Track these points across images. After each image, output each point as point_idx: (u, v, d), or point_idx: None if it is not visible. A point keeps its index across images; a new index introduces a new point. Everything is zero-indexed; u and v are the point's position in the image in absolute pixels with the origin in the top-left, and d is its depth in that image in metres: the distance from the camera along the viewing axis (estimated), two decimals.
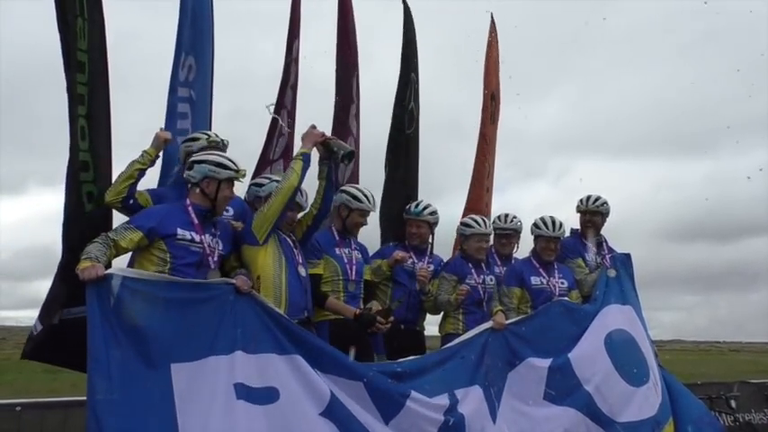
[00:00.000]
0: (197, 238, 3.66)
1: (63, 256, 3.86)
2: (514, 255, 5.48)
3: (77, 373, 4.44)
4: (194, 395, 3.26)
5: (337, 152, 4.09)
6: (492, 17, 7.17)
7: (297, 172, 3.92)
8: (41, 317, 3.93)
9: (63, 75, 3.99)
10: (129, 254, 3.72)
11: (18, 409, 4.52)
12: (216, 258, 3.76)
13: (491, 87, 6.99)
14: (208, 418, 3.26)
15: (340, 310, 4.37)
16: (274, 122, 5.16)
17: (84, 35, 4.11)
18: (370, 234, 5.41)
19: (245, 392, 3.40)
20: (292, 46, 5.29)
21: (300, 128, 5.28)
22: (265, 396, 3.46)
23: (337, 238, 4.60)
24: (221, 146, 4.22)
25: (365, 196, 4.64)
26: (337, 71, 5.69)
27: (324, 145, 4.08)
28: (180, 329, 3.34)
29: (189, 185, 3.81)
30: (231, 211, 4.22)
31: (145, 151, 3.94)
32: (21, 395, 8.67)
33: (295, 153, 4.06)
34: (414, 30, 6.16)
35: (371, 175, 5.76)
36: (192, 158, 3.82)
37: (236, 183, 3.87)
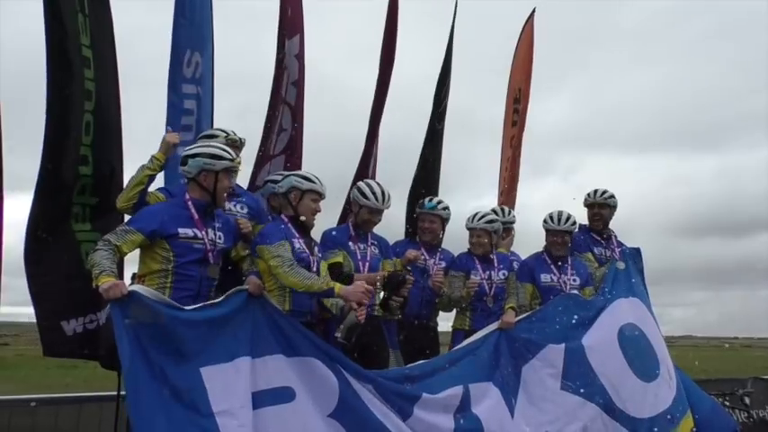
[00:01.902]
0: (199, 234, 3.61)
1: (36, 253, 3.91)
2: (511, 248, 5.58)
3: (90, 368, 4.49)
4: (226, 398, 3.29)
5: (343, 324, 3.69)
6: (533, 13, 7.06)
7: (314, 287, 3.65)
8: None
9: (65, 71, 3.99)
10: None
11: (33, 404, 4.54)
12: (217, 253, 3.71)
13: (515, 87, 6.99)
14: (238, 418, 3.29)
15: (367, 279, 4.20)
16: (272, 118, 5.13)
17: (86, 31, 4.11)
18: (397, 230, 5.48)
19: (260, 399, 3.43)
20: (284, 42, 5.24)
21: (308, 124, 5.34)
22: (274, 399, 3.48)
23: (353, 232, 4.53)
24: (239, 144, 4.21)
25: (373, 193, 4.43)
26: (380, 70, 5.71)
27: (350, 309, 3.70)
28: (201, 339, 3.35)
29: (186, 180, 3.72)
30: (246, 209, 4.20)
31: (153, 156, 3.85)
32: (35, 391, 8.79)
33: (336, 284, 3.68)
34: (453, 29, 6.28)
35: (394, 173, 5.81)
36: (185, 153, 3.70)
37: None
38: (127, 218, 3.75)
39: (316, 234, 4.28)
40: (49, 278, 3.97)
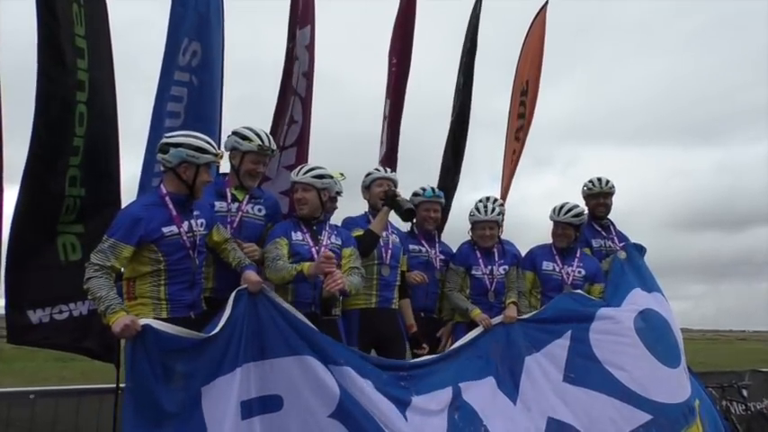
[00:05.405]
0: (182, 229, 3.52)
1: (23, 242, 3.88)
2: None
3: (87, 361, 4.48)
4: (217, 413, 3.29)
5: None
6: (545, 5, 7.00)
7: (286, 277, 3.77)
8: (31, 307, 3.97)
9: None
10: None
11: (31, 396, 4.53)
12: (200, 242, 3.62)
13: (523, 80, 6.96)
14: None
15: (380, 220, 4.43)
16: (281, 108, 5.07)
17: (81, 21, 4.07)
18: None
19: (249, 408, 3.40)
20: (295, 32, 5.17)
21: (316, 115, 5.31)
22: (271, 405, 3.46)
23: (372, 220, 4.58)
24: (269, 153, 4.10)
25: (376, 169, 4.74)
26: (395, 70, 5.76)
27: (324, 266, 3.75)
28: (207, 355, 3.35)
29: (163, 170, 3.59)
30: (264, 211, 4.14)
31: None
32: (32, 383, 8.76)
33: (304, 265, 3.77)
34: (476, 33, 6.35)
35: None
36: (166, 140, 3.55)
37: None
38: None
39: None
40: (25, 268, 3.94)
